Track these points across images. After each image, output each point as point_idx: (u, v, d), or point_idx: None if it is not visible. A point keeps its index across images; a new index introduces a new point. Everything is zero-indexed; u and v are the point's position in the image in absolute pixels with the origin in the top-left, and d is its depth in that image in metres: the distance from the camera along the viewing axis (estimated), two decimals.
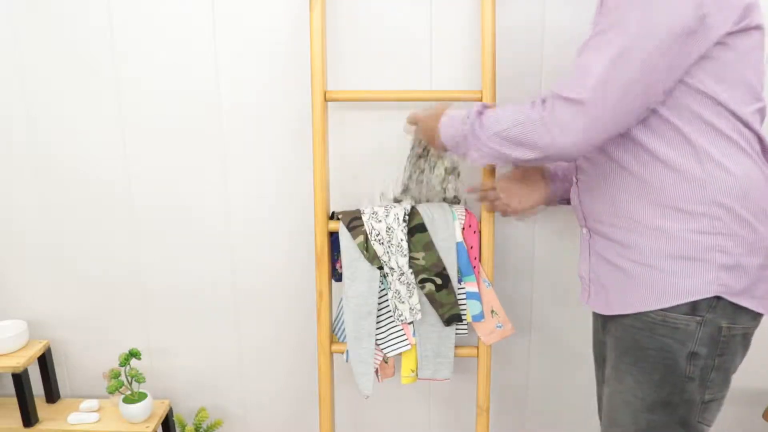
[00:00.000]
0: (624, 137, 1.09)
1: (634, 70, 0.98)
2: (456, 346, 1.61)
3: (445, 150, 1.33)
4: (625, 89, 0.99)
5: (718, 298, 1.06)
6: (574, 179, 1.25)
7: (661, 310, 1.08)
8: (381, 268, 1.54)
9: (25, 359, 1.75)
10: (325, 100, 1.52)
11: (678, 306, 1.07)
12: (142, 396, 1.77)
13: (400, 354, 1.59)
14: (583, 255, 1.27)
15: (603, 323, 1.26)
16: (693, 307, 1.07)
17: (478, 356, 1.61)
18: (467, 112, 1.23)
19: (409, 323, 1.57)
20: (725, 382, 1.12)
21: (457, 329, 1.60)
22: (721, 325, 1.07)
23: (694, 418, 1.12)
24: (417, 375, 1.61)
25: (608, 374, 1.21)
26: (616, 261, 1.15)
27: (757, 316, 1.10)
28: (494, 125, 1.14)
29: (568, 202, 1.45)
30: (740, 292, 1.07)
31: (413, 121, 1.44)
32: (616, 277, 1.16)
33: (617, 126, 1.03)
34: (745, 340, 1.11)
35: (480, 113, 1.19)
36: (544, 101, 1.06)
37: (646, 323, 1.10)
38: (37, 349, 1.81)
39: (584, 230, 1.26)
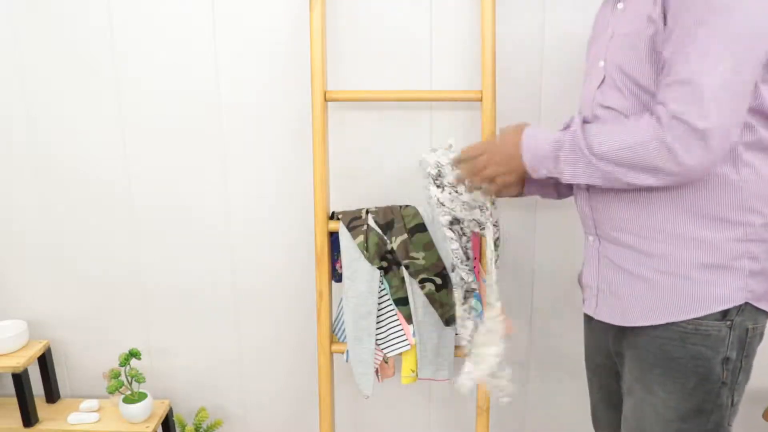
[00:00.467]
0: None
1: (744, 79, 0.95)
2: (456, 346, 1.61)
3: (523, 177, 1.21)
4: (738, 100, 0.96)
5: (745, 302, 1.06)
6: (583, 185, 1.19)
7: (694, 318, 1.06)
8: (381, 268, 1.54)
9: (25, 359, 1.75)
10: (325, 100, 1.52)
11: (710, 313, 1.06)
12: (142, 396, 1.77)
13: (400, 354, 1.59)
14: (591, 263, 1.22)
15: (618, 335, 1.21)
16: (724, 313, 1.06)
17: None
18: (561, 133, 1.09)
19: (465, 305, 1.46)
20: (747, 381, 1.12)
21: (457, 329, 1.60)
22: (747, 327, 1.07)
23: (726, 422, 1.11)
24: (417, 375, 1.61)
25: (630, 386, 1.17)
26: (636, 270, 1.11)
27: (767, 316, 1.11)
28: (601, 145, 1.03)
29: (539, 193, 1.39)
30: (761, 296, 1.07)
31: (474, 154, 1.25)
32: (635, 286, 1.12)
33: (737, 131, 0.99)
34: (761, 338, 1.12)
35: (580, 129, 1.07)
36: (658, 119, 0.97)
37: (677, 333, 1.08)
38: (37, 349, 1.81)
39: (591, 238, 1.20)
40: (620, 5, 1.12)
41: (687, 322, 1.07)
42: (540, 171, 1.13)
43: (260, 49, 1.64)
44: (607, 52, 1.13)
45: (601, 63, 1.14)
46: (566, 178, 1.09)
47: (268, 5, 1.61)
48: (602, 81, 1.13)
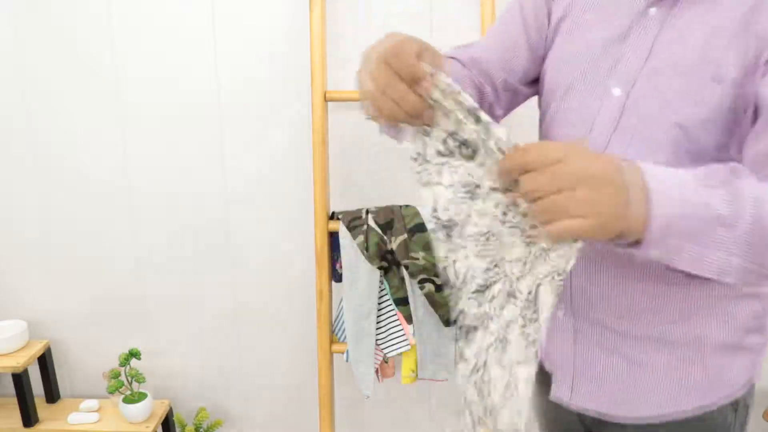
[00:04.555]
0: None
1: None
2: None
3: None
4: None
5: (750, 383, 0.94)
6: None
7: (701, 406, 0.91)
8: (381, 268, 1.54)
9: (25, 359, 1.75)
10: (325, 100, 1.52)
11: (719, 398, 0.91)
12: (142, 396, 1.77)
13: (400, 354, 1.59)
14: (562, 340, 0.95)
15: (592, 424, 0.98)
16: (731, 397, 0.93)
17: None
18: (722, 192, 0.64)
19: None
20: None
21: None
22: (748, 404, 0.95)
23: None
24: (417, 375, 1.61)
25: None
26: (627, 353, 0.90)
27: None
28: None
29: None
30: (758, 372, 0.96)
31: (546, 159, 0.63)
32: (625, 371, 0.91)
33: None
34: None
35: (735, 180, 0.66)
36: None
37: (676, 427, 0.91)
38: (37, 349, 1.81)
39: (560, 313, 0.93)
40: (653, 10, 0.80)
41: (689, 412, 0.90)
42: (664, 246, 0.64)
43: (260, 49, 1.64)
44: (637, 83, 0.80)
45: (617, 91, 0.80)
46: (694, 266, 0.66)
47: (268, 5, 1.61)
48: (618, 125, 0.82)
